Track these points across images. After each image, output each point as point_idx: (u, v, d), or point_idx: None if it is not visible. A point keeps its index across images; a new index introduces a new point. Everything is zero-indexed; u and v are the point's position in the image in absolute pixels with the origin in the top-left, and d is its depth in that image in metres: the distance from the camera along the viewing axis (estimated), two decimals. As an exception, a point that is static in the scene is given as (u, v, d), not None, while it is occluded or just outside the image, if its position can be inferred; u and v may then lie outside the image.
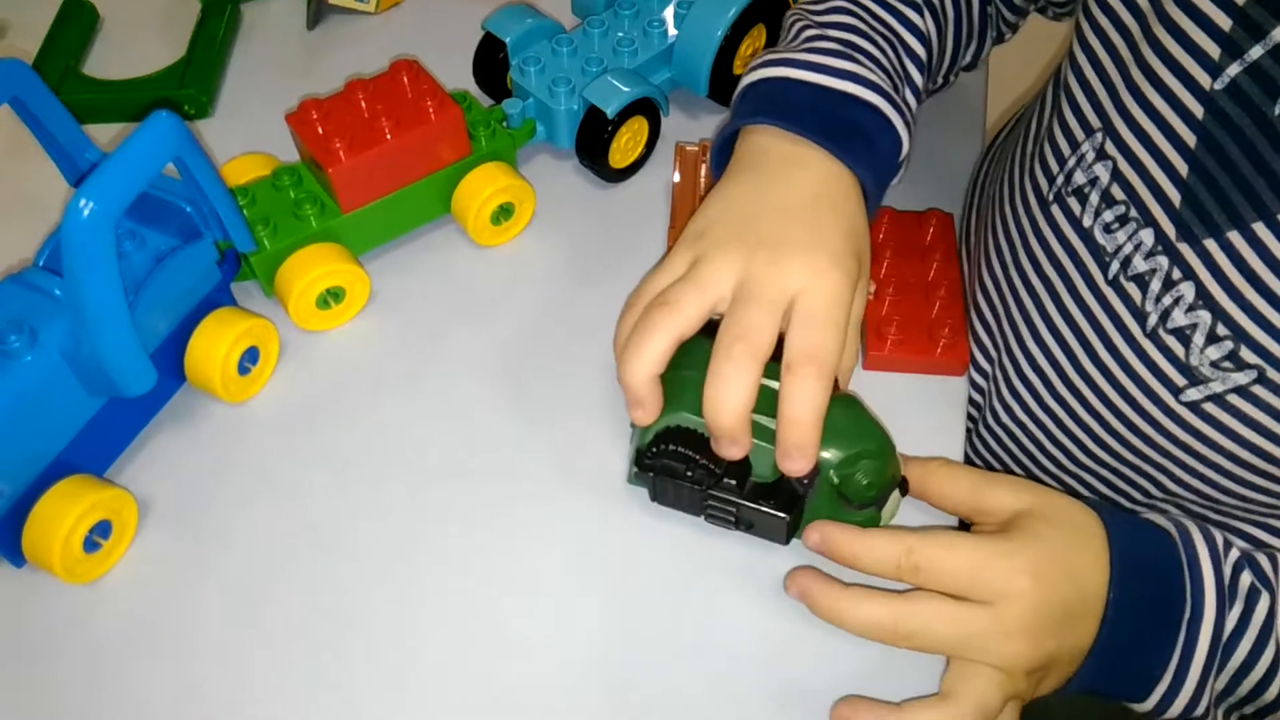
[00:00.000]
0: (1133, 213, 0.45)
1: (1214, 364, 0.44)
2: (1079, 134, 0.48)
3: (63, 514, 0.44)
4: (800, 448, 0.40)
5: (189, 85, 0.67)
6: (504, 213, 0.58)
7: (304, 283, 0.52)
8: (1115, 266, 0.46)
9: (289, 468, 0.50)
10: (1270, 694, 0.42)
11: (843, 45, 0.49)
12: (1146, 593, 0.40)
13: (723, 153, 0.50)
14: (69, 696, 0.43)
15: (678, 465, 0.43)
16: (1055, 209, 0.49)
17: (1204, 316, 0.43)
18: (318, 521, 0.48)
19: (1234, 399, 0.44)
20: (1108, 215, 0.46)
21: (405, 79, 0.55)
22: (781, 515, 0.43)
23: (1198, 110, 0.41)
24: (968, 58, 0.57)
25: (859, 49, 0.49)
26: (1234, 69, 0.40)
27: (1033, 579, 0.39)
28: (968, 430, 0.60)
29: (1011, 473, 0.58)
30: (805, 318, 0.41)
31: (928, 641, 0.40)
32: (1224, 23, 0.40)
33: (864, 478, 0.42)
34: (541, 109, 0.60)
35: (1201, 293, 0.43)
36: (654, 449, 0.44)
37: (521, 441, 0.50)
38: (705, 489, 0.43)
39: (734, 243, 0.43)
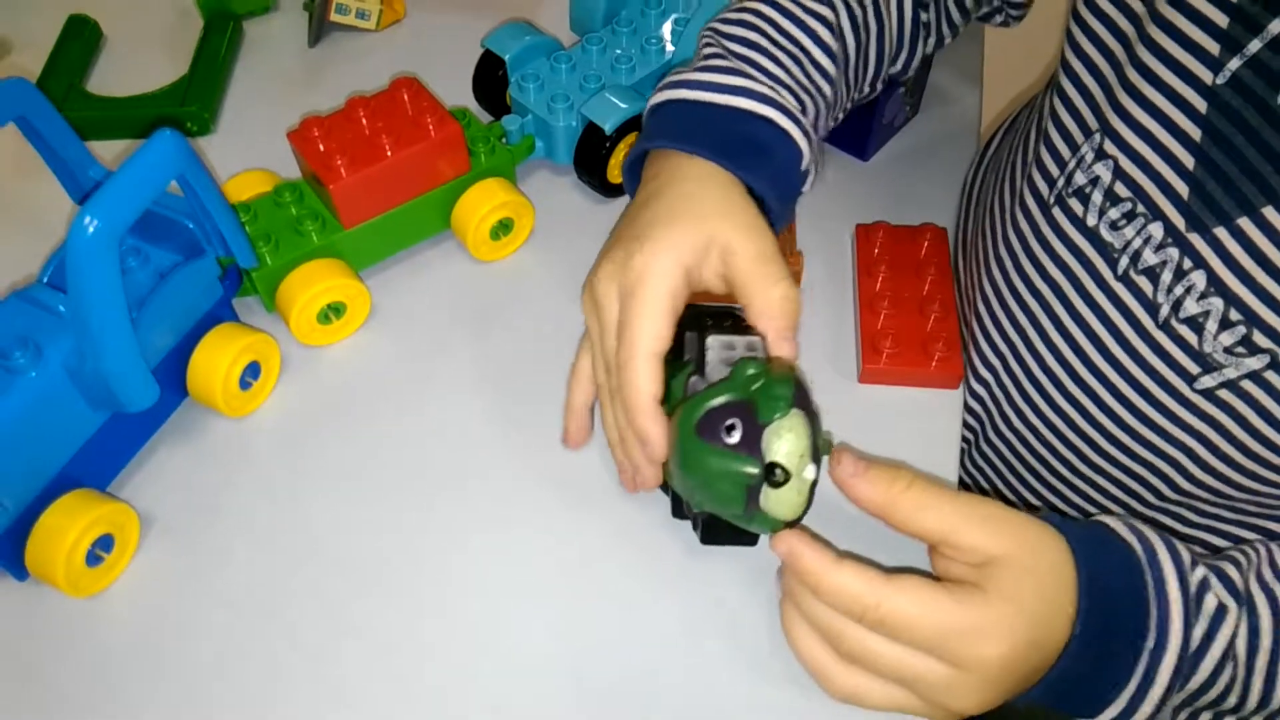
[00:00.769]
0: (1139, 208, 0.46)
1: (1227, 350, 0.45)
2: (1078, 137, 0.49)
3: (66, 528, 0.44)
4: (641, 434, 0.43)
5: (191, 102, 0.67)
6: (503, 228, 0.58)
7: (305, 298, 0.53)
8: (1124, 262, 0.47)
9: (290, 482, 0.50)
10: (1230, 702, 0.42)
11: (740, 61, 0.50)
12: (1112, 621, 0.40)
13: (631, 171, 0.52)
14: (71, 709, 0.44)
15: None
16: (1057, 211, 0.50)
17: (1216, 303, 0.44)
18: (319, 535, 0.48)
19: (1247, 385, 0.45)
20: (1113, 213, 0.47)
21: (405, 96, 0.56)
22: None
23: (1200, 105, 0.43)
24: (898, 65, 0.58)
25: (755, 64, 0.50)
26: (1234, 63, 0.41)
27: (1002, 652, 0.38)
28: (968, 443, 0.60)
29: (1020, 479, 0.58)
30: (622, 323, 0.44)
31: (876, 669, 0.39)
32: (1221, 20, 0.41)
33: (753, 369, 0.40)
34: (540, 125, 0.61)
35: (1213, 280, 0.44)
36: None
37: (521, 455, 0.51)
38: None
39: (604, 271, 0.45)
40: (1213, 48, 0.42)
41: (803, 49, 0.51)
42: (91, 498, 0.46)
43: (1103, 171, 0.47)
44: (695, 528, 0.47)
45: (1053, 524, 0.41)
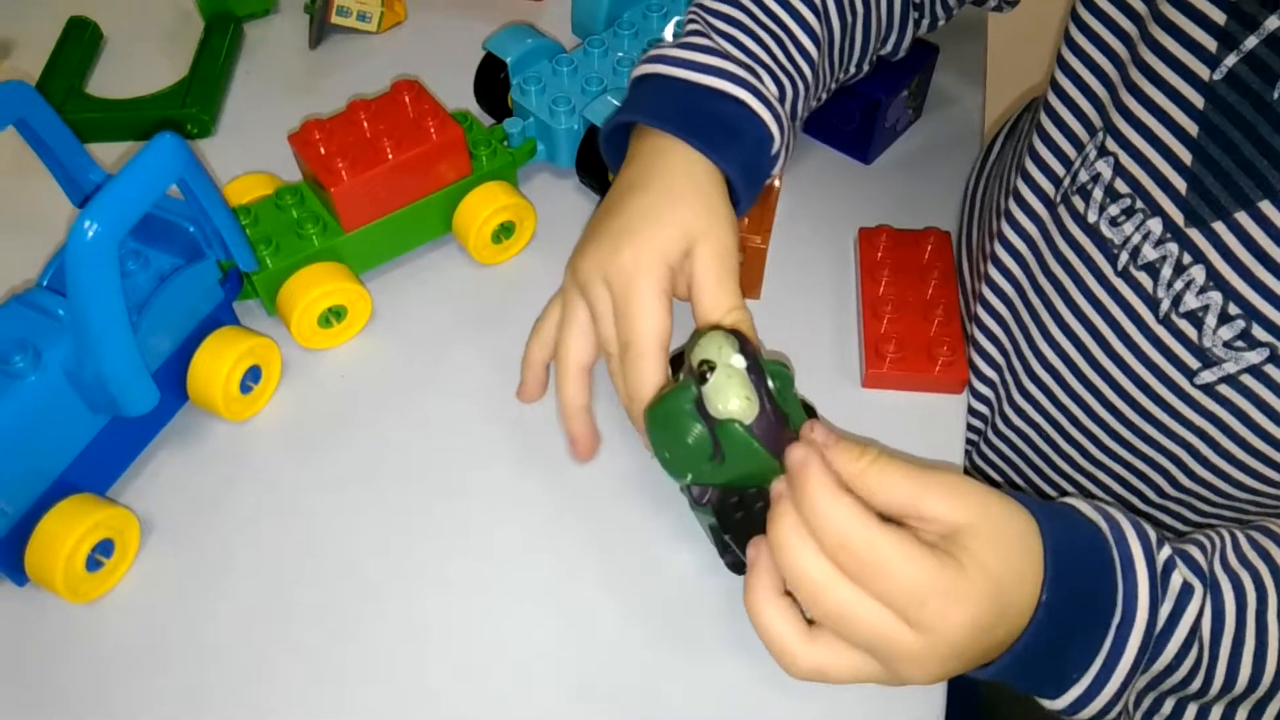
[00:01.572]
0: (1138, 204, 0.46)
1: (1227, 344, 0.45)
2: (1082, 135, 0.50)
3: (65, 533, 0.44)
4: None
5: (192, 104, 0.67)
6: (505, 231, 0.58)
7: (306, 301, 0.53)
8: (1124, 257, 0.47)
9: (291, 486, 0.50)
10: (1194, 687, 0.42)
11: (722, 40, 0.51)
12: (1077, 595, 0.39)
13: (609, 141, 0.53)
14: (71, 715, 0.43)
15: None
16: (1062, 209, 0.51)
17: (1215, 297, 0.44)
18: (320, 539, 0.48)
19: (1247, 379, 0.45)
20: (1113, 209, 0.47)
21: (407, 99, 0.56)
22: None
23: (1198, 101, 0.43)
24: (888, 46, 0.59)
25: (737, 44, 0.51)
26: (1231, 59, 0.42)
27: (974, 618, 0.37)
28: (972, 444, 0.60)
29: (1023, 476, 0.58)
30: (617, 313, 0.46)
31: (850, 630, 0.37)
32: (1218, 17, 0.42)
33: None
34: (542, 128, 0.61)
35: (1212, 274, 0.44)
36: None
37: (523, 458, 0.51)
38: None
39: (590, 258, 0.47)
40: (1210, 45, 0.42)
41: (786, 30, 0.52)
42: (91, 502, 0.46)
43: (1104, 168, 0.48)
44: (704, 502, 0.45)
45: (1017, 500, 0.40)
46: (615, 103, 0.58)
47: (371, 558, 0.48)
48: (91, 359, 0.44)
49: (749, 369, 0.41)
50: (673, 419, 0.42)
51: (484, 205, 0.57)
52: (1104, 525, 0.41)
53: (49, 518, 0.45)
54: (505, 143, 0.60)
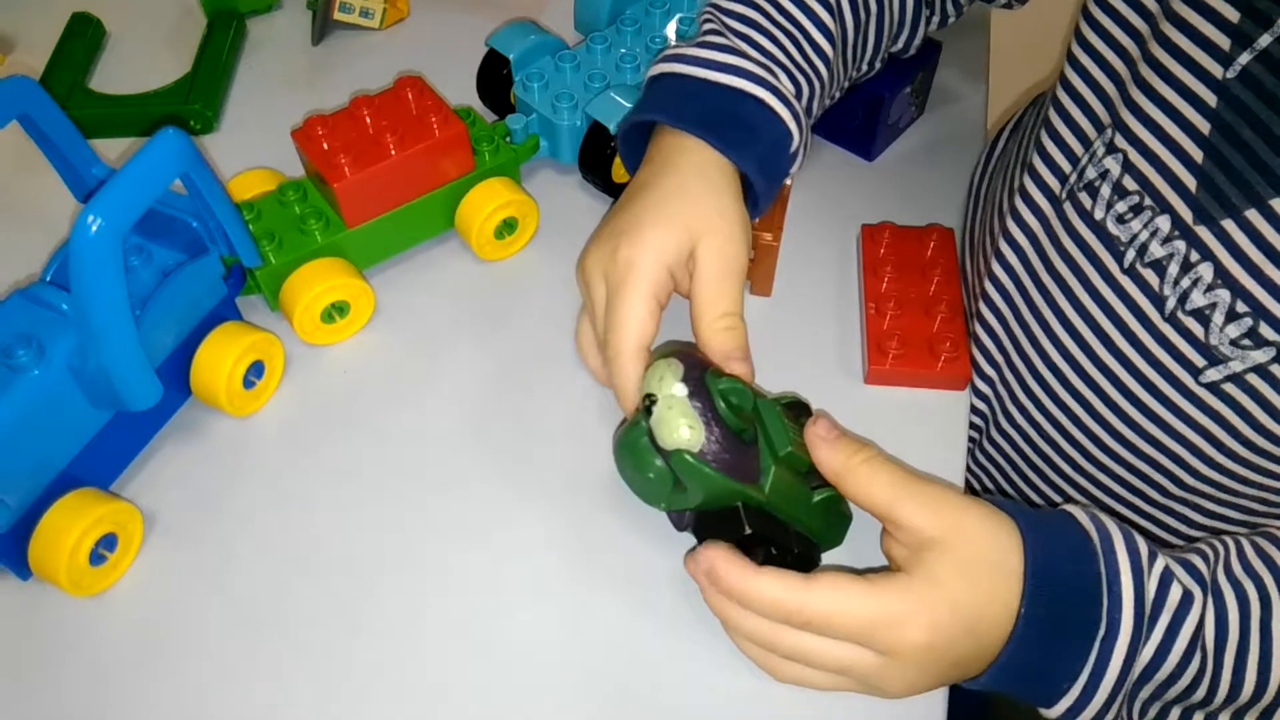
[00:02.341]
0: (1147, 201, 0.46)
1: (1233, 342, 0.45)
2: (1090, 132, 0.49)
3: (69, 527, 0.44)
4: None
5: (195, 100, 0.67)
6: (507, 227, 0.58)
7: (309, 297, 0.53)
8: (1131, 255, 0.47)
9: (294, 481, 0.50)
10: (1199, 695, 0.42)
11: (738, 39, 0.51)
12: (1060, 610, 0.40)
13: (626, 142, 0.53)
14: (74, 709, 0.43)
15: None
16: (1068, 206, 0.50)
17: (1223, 295, 0.44)
18: (323, 534, 0.48)
19: (1253, 379, 0.45)
20: (1120, 206, 0.47)
21: (410, 95, 0.56)
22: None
23: (1211, 99, 0.43)
24: (899, 44, 0.59)
25: (753, 43, 0.51)
26: (1245, 58, 0.41)
27: (929, 635, 0.39)
28: (973, 440, 0.60)
29: (1024, 478, 0.58)
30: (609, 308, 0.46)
31: (812, 664, 0.41)
32: (1232, 15, 0.42)
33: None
34: (545, 124, 0.61)
35: (1220, 272, 0.44)
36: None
37: (525, 454, 0.51)
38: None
39: (594, 255, 0.48)
40: (1224, 42, 0.42)
41: (801, 29, 0.52)
42: (95, 497, 0.46)
43: (1112, 165, 0.48)
44: (684, 526, 0.47)
45: (1006, 510, 0.42)
46: (618, 99, 0.58)
47: (374, 550, 0.48)
48: (95, 353, 0.44)
49: (691, 395, 0.42)
50: (633, 454, 0.43)
51: (487, 201, 0.57)
52: (1094, 535, 0.42)
53: (53, 512, 0.45)
54: (508, 139, 0.59)
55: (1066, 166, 0.51)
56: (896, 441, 0.50)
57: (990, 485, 0.61)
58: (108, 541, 0.46)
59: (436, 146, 0.55)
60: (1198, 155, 0.44)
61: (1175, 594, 0.41)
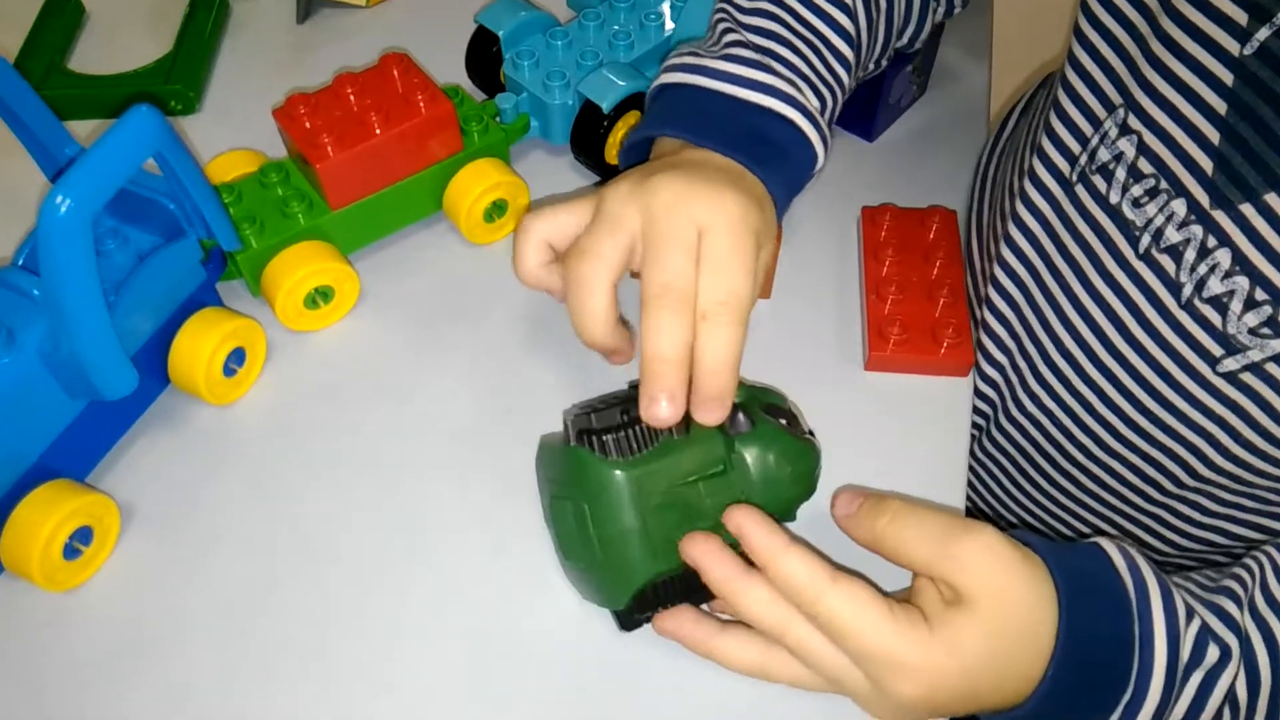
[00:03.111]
0: (1162, 184, 0.45)
1: (1252, 331, 0.43)
2: (1100, 112, 0.48)
3: (42, 520, 0.43)
4: (716, 398, 0.40)
5: (176, 80, 0.65)
6: (497, 210, 0.57)
7: (291, 282, 0.51)
8: (1146, 240, 0.46)
9: (275, 471, 0.49)
10: None
11: (760, 53, 0.49)
12: (1089, 675, 0.39)
13: (629, 155, 0.50)
14: (49, 708, 0.42)
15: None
16: (1080, 189, 0.49)
17: (1241, 282, 0.43)
18: (305, 525, 0.47)
19: (1271, 368, 0.44)
20: (1136, 189, 0.46)
21: (395, 72, 0.54)
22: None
23: (1227, 77, 0.42)
24: (904, 39, 0.57)
25: (778, 56, 0.49)
26: (1263, 33, 0.40)
27: (926, 692, 0.37)
28: (980, 429, 0.59)
29: (1036, 466, 0.57)
30: (714, 261, 0.41)
31: (810, 663, 0.40)
32: None
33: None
34: (536, 103, 0.59)
35: (1238, 258, 0.43)
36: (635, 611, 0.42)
37: (514, 441, 0.49)
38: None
39: (633, 185, 0.43)
40: (1240, 18, 0.40)
41: (822, 38, 0.50)
42: (69, 488, 0.45)
43: (1126, 147, 0.46)
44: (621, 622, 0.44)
45: (1048, 563, 0.39)
46: (611, 77, 0.56)
47: (358, 542, 0.46)
48: (66, 339, 0.42)
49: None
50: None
51: (476, 183, 0.55)
52: (1131, 589, 0.39)
53: (25, 504, 0.44)
54: (497, 118, 0.58)
55: (1076, 148, 0.49)
56: (898, 430, 0.49)
57: (997, 474, 0.60)
58: (83, 535, 0.45)
59: (423, 126, 0.53)
60: (1214, 136, 0.42)
61: (1212, 655, 0.39)
